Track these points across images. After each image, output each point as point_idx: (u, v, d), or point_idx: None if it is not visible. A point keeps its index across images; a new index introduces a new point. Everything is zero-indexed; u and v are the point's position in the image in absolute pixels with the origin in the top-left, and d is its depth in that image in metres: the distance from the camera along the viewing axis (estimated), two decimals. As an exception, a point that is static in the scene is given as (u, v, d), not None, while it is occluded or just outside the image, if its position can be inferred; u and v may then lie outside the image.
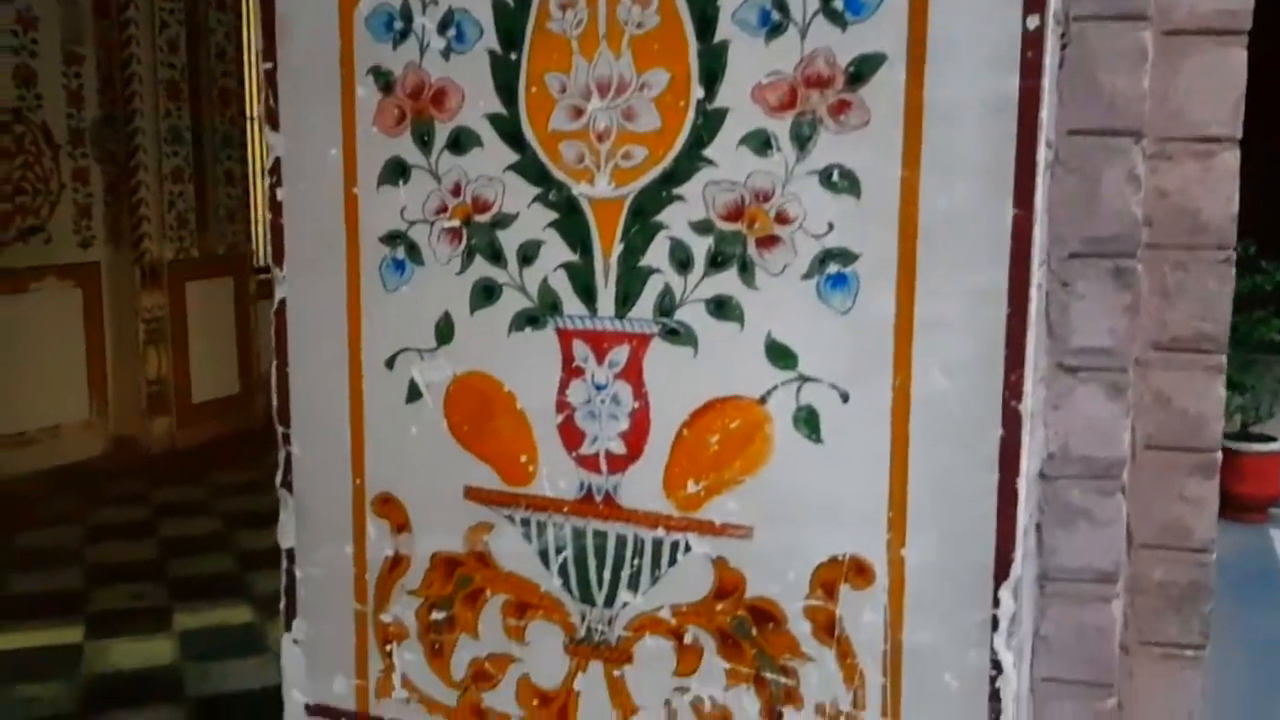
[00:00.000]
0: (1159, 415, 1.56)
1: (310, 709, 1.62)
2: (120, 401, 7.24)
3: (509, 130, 1.45)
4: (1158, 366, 1.55)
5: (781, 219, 1.33)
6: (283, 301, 1.59)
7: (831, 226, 1.31)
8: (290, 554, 1.61)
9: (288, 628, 1.62)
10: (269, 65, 1.54)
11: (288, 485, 1.61)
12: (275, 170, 1.56)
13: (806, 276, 1.33)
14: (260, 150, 8.38)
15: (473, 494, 1.51)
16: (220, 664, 4.35)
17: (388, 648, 1.56)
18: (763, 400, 1.36)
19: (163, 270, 7.30)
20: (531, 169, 1.44)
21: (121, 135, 7.07)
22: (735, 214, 1.35)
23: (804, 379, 1.34)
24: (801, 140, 1.32)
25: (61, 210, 6.88)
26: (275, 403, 1.61)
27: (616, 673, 1.44)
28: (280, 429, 1.60)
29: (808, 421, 1.34)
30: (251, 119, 8.25)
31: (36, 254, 6.75)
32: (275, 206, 1.57)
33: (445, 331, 1.51)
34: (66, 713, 3.92)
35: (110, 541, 5.67)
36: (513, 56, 1.44)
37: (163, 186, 7.25)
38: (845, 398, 1.32)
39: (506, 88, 1.44)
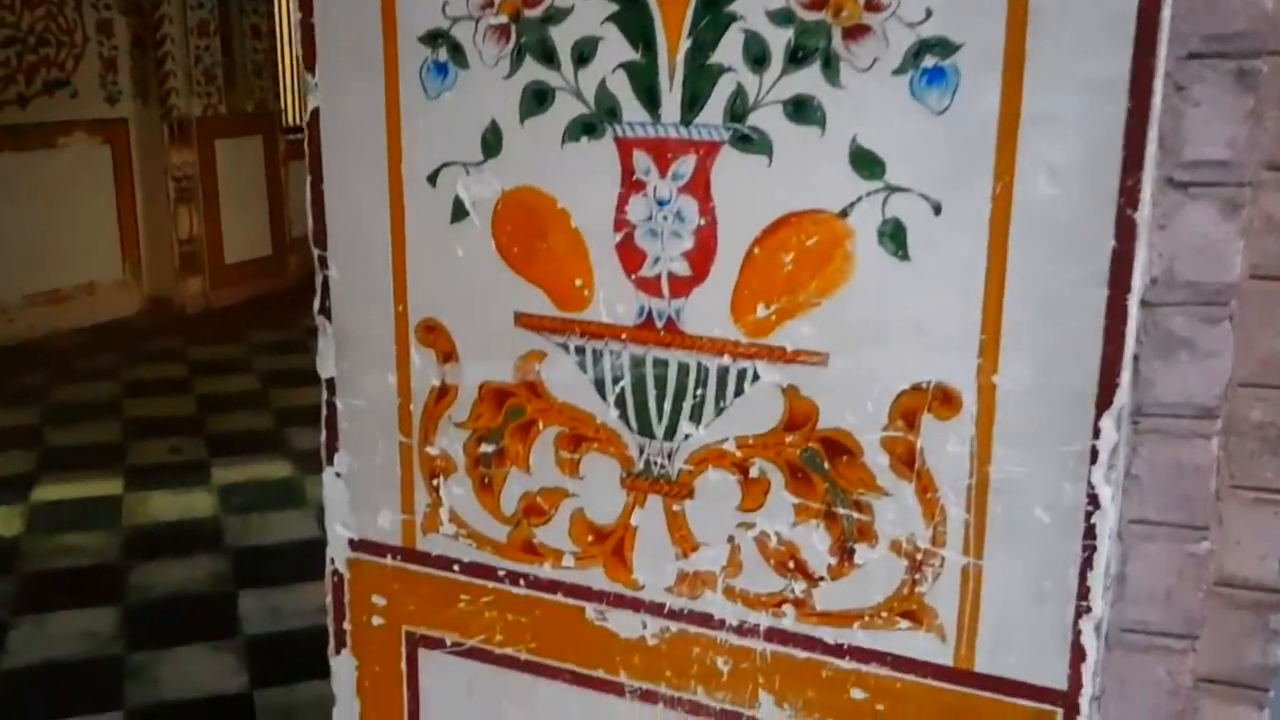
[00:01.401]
0: (1268, 242, 1.41)
1: (354, 544, 1.56)
2: (153, 261, 7.20)
3: (565, -92, 1.30)
4: (1271, 188, 1.40)
5: (872, 6, 1.18)
6: (315, 111, 1.46)
7: (929, 13, 1.16)
8: (330, 384, 1.52)
9: (329, 461, 1.54)
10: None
11: (326, 312, 1.51)
12: None
13: (899, 71, 1.18)
14: (287, 5, 8.12)
15: (523, 320, 1.40)
16: (260, 516, 4.36)
17: (434, 481, 1.48)
18: (844, 214, 1.23)
19: (191, 127, 7.16)
20: (589, -46, 1.29)
21: (145, -16, 6.85)
22: (819, 1, 1.20)
23: (892, 189, 1.21)
24: (898, -88, 1.16)
25: (86, 64, 6.72)
26: (311, 223, 1.49)
27: (676, 507, 1.36)
28: (316, 251, 1.49)
29: (894, 236, 1.21)
30: (277, -30, 7.98)
31: (64, 108, 6.63)
32: (305, 3, 1.43)
33: (493, 142, 1.38)
34: (111, 562, 3.96)
35: (147, 397, 5.68)
36: None
37: (189, 40, 7.05)
38: (937, 209, 1.19)
39: None
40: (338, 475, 1.54)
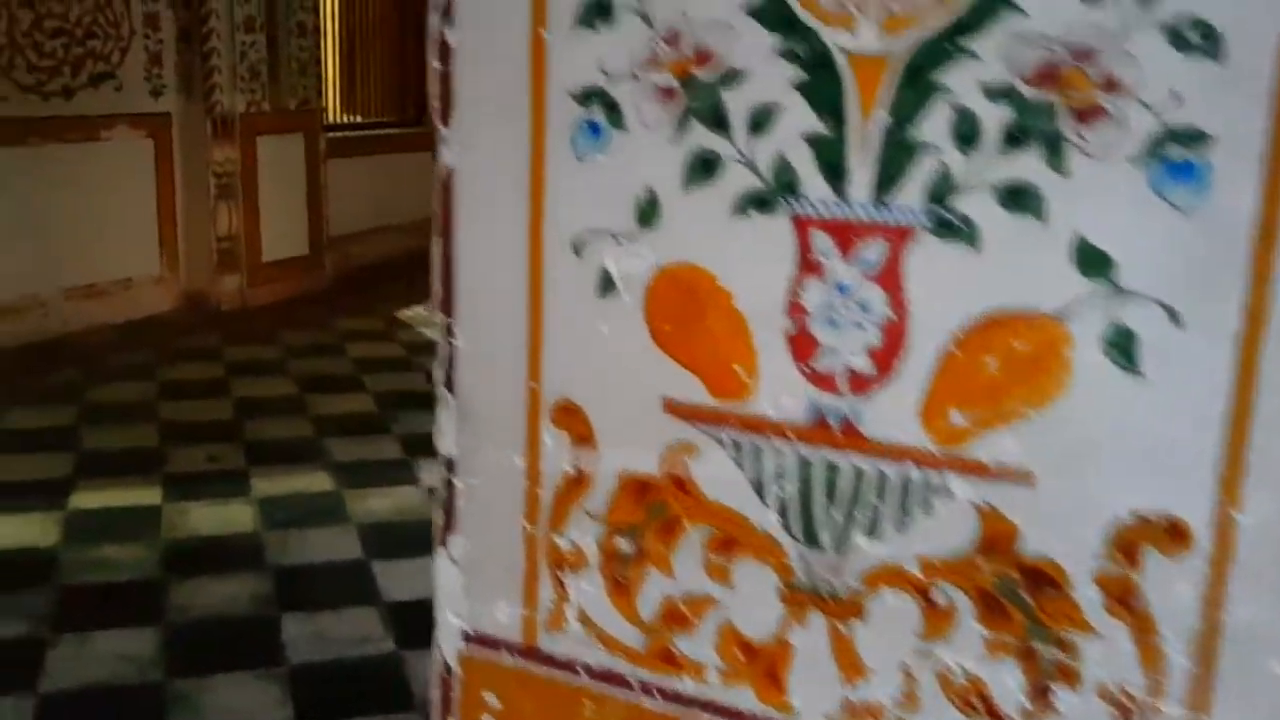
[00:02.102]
0: None
1: (468, 637, 1.42)
2: (191, 257, 7.09)
3: (747, -39, 1.16)
4: None
5: (1109, 85, 1.04)
6: (449, 169, 1.33)
7: (1178, 98, 1.02)
8: (449, 461, 1.39)
9: (443, 543, 1.41)
10: None
11: (449, 383, 1.38)
12: (446, 7, 1.28)
13: (1137, 161, 1.04)
14: (334, 2, 8.01)
15: (673, 407, 1.27)
16: (300, 533, 4.24)
17: (561, 575, 1.35)
18: (1063, 317, 1.09)
19: (234, 123, 7.04)
20: (772, 13, 1.15)
21: (193, -23, 6.74)
22: (1046, 77, 1.06)
23: (1122, 292, 1.07)
24: (1145, -17, 1.02)
25: (132, 57, 6.61)
26: (438, 288, 1.36)
27: (843, 628, 1.22)
28: (443, 319, 1.36)
29: (1122, 346, 1.07)
30: (325, -35, 7.87)
31: (108, 101, 6.52)
32: (443, 52, 1.29)
33: (649, 212, 1.24)
34: (150, 578, 3.84)
35: (184, 400, 5.57)
36: None
37: (234, 36, 6.94)
38: (1176, 318, 1.05)
39: (747, -93, 1.15)
40: (452, 560, 1.41)
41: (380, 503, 4.49)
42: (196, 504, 4.41)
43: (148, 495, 4.47)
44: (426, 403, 5.42)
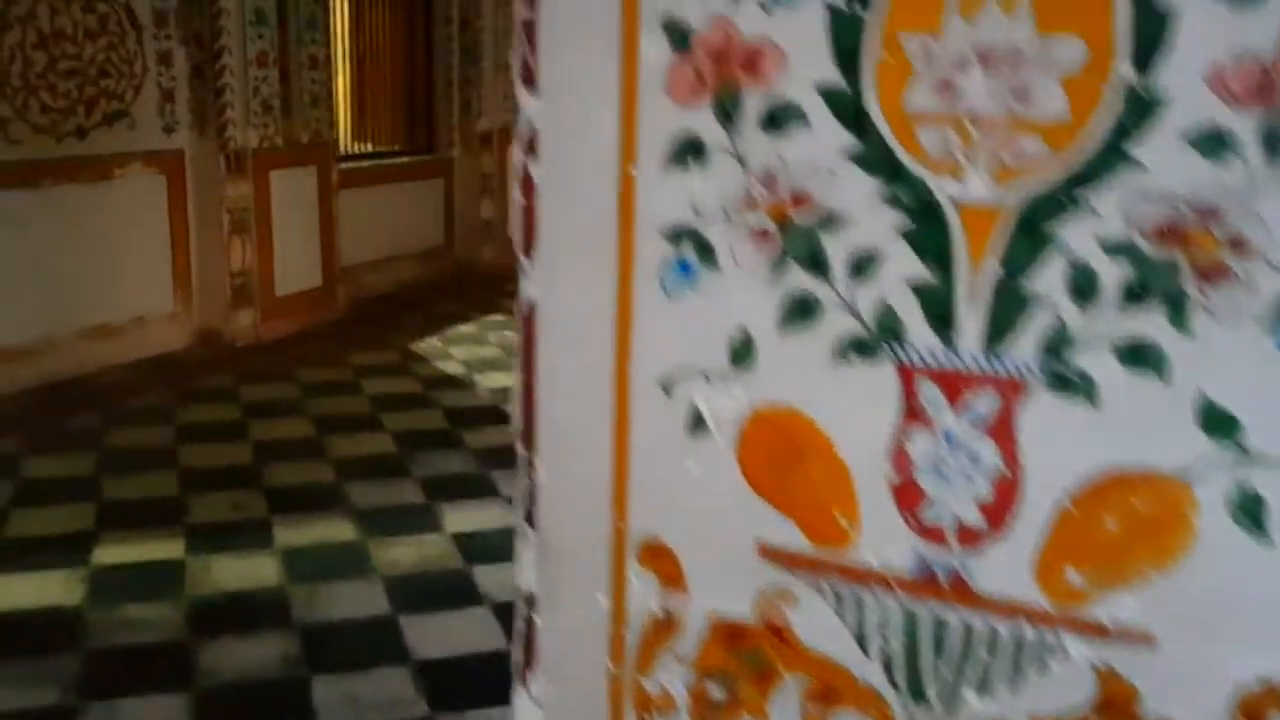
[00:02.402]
0: None
1: (551, 779, 1.39)
2: (205, 293, 7.06)
3: (847, 107, 1.12)
4: None
5: (1236, 245, 1.01)
6: (532, 302, 1.29)
7: (1310, 261, 0.99)
8: (530, 599, 1.35)
9: (522, 680, 1.37)
10: (528, 14, 1.21)
11: (530, 519, 1.34)
12: (530, 141, 1.25)
13: (1265, 323, 1.01)
14: (344, 32, 8.00)
15: (768, 552, 1.23)
16: (326, 586, 4.20)
17: (649, 720, 1.31)
18: (1187, 478, 1.06)
19: (247, 158, 7.02)
20: (876, 159, 1.12)
21: (206, 16, 6.71)
22: (1169, 234, 1.03)
23: (1249, 455, 1.03)
24: (1275, 142, 0.99)
25: (146, 94, 6.59)
26: (519, 421, 1.33)
27: (951, 785, 1.19)
28: (523, 452, 1.33)
29: (1250, 510, 1.04)
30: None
31: (121, 139, 6.50)
32: (527, 185, 1.26)
33: (743, 352, 1.21)
34: (176, 639, 3.80)
35: (202, 443, 5.53)
36: (859, 11, 1.10)
37: (247, 71, 6.92)
38: (1308, 485, 1.02)
39: (847, 51, 1.12)
40: (533, 700, 1.37)
41: (405, 552, 4.46)
42: (220, 557, 4.38)
43: (171, 548, 4.43)
44: (445, 442, 5.38)
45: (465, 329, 7.88)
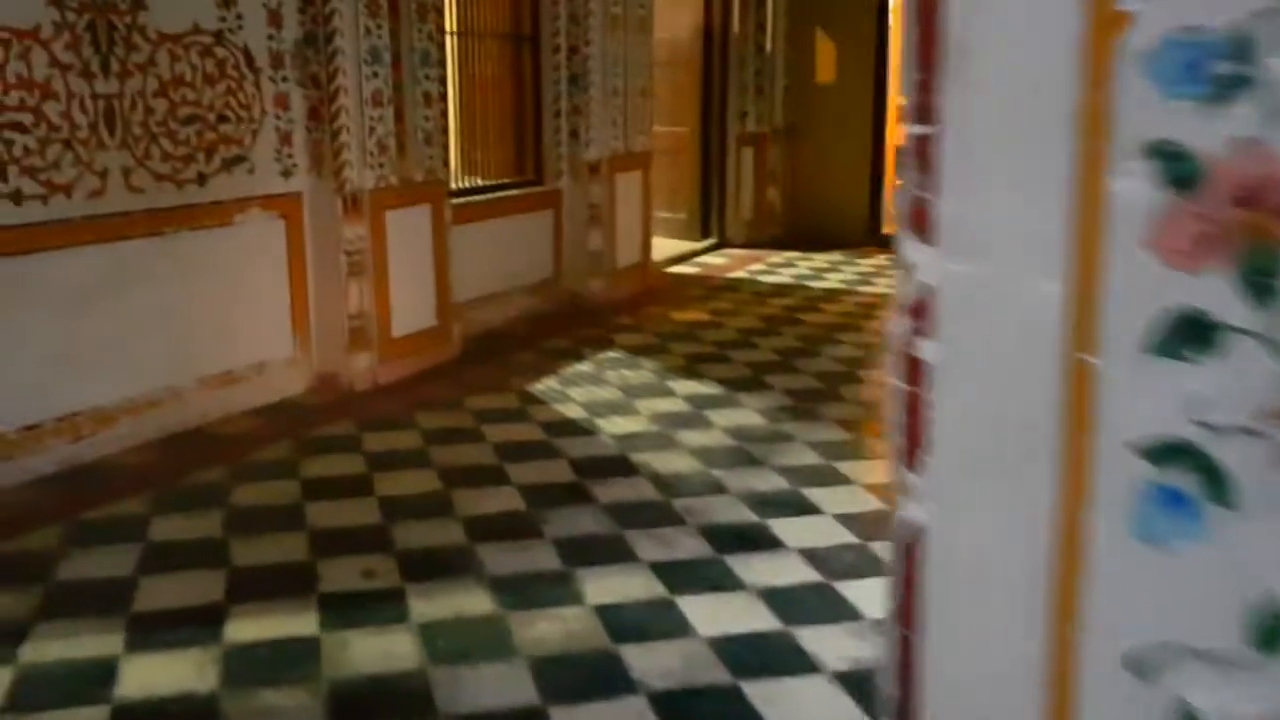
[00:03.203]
0: None
1: None
2: (322, 337, 6.95)
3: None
4: None
5: None
6: (916, 529, 1.01)
7: None
8: None
9: None
10: (923, 128, 0.93)
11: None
12: (919, 308, 0.96)
13: None
14: (453, 64, 7.84)
15: None
16: (470, 669, 3.97)
17: None
18: None
19: (364, 199, 6.90)
20: None
21: (322, 56, 6.61)
22: None
23: None
24: None
25: (263, 138, 6.50)
26: (893, 688, 1.03)
27: None
28: None
29: None
30: (451, 33, 7.73)
31: (240, 184, 6.41)
32: (914, 370, 0.97)
33: (1274, 634, 0.89)
34: (319, 731, 3.61)
35: (329, 500, 5.37)
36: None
37: (363, 111, 6.80)
38: None
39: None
40: None
41: (548, 628, 4.22)
42: (356, 633, 4.19)
43: (305, 622, 4.25)
44: (574, 497, 5.10)
45: (581, 368, 7.67)
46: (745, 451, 6.08)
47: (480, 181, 8.64)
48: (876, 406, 7.10)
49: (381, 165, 6.98)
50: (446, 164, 7.65)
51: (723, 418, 6.65)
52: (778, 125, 12.33)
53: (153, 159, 5.93)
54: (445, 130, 7.56)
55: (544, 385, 7.26)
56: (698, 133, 11.78)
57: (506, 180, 8.87)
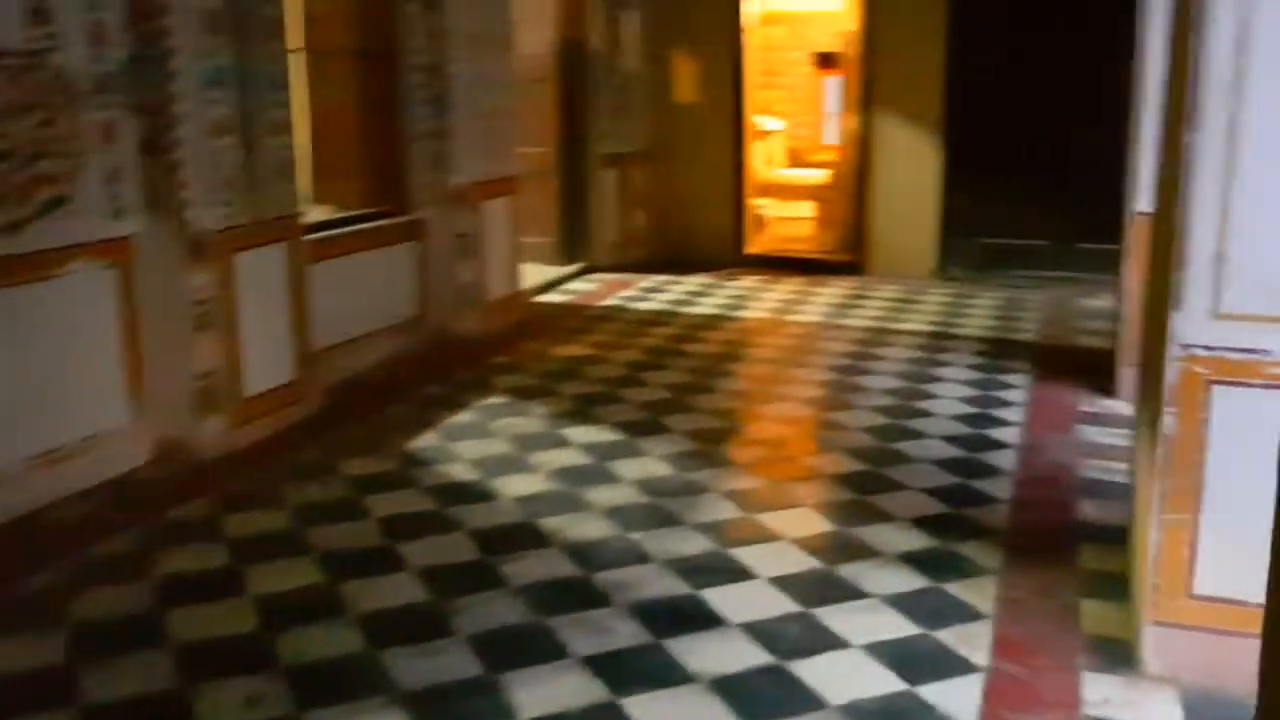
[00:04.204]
0: None
1: None
2: (164, 400, 6.08)
3: None
4: None
5: None
6: None
7: None
8: None
9: None
10: None
11: None
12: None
13: None
14: (308, 88, 7.07)
15: None
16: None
17: None
18: None
19: (209, 241, 6.06)
20: None
21: (156, 80, 5.75)
22: None
23: None
24: None
25: (88, 175, 5.60)
26: None
27: None
28: None
29: None
30: (297, 51, 6.94)
31: (63, 230, 5.51)
32: None
33: None
34: None
35: (193, 605, 4.56)
36: None
37: (205, 141, 5.97)
38: None
39: None
40: None
41: (482, 760, 3.57)
42: (249, 784, 3.45)
43: (183, 777, 3.48)
44: (482, 580, 4.41)
45: (463, 418, 6.98)
46: (660, 509, 5.55)
47: (337, 214, 7.84)
48: (784, 446, 6.68)
49: (229, 202, 6.15)
50: (298, 197, 6.85)
51: (628, 469, 6.10)
52: (640, 146, 11.88)
53: (-47, 204, 4.98)
54: (297, 161, 6.76)
55: (425, 442, 6.55)
56: (558, 154, 11.22)
57: (366, 211, 8.10)
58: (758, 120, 13.32)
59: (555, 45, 11.04)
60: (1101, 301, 10.25)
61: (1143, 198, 6.79)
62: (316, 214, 7.58)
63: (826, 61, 14.74)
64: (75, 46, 5.44)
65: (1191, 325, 3.67)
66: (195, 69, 5.81)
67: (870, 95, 11.41)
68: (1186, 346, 3.68)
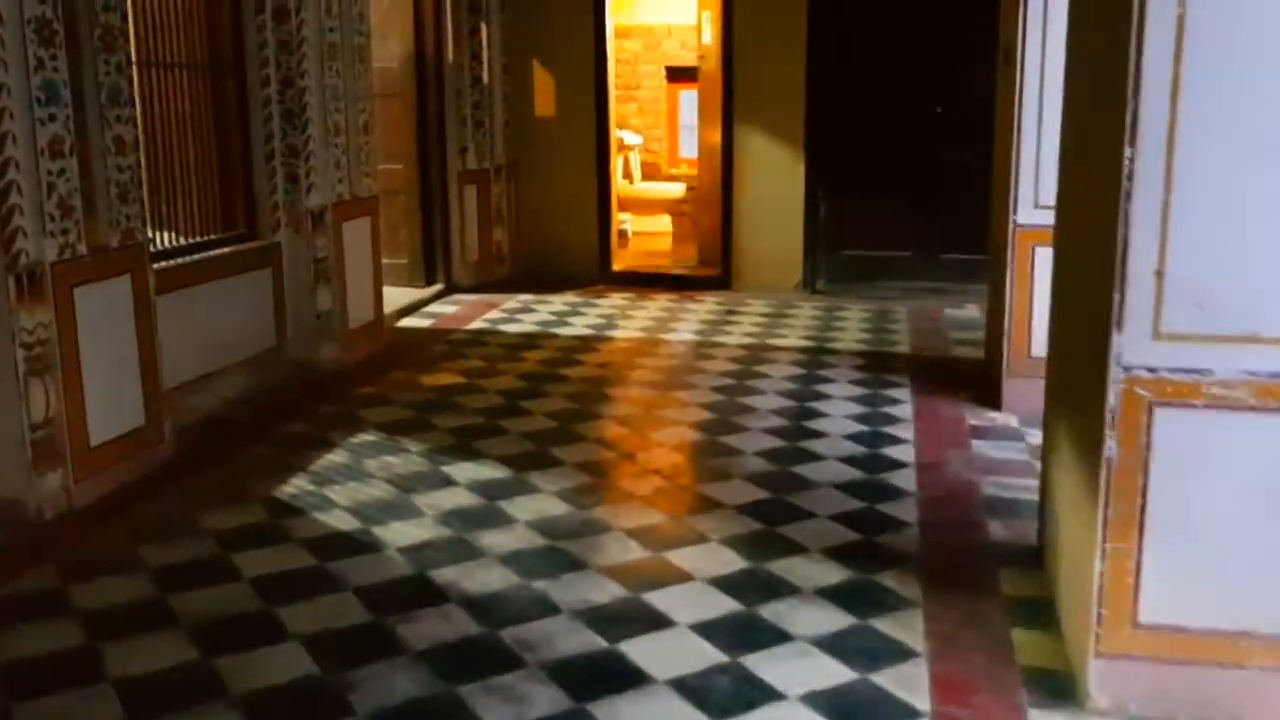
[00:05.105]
0: None
1: None
2: (-5, 456, 5.37)
3: None
4: None
5: None
6: None
7: None
8: None
9: None
10: None
11: None
12: None
13: None
14: (146, 103, 6.47)
15: None
16: None
17: None
18: None
19: (44, 275, 5.42)
20: None
21: (-24, 95, 5.08)
22: None
23: None
24: None
25: (-103, 204, 4.90)
26: None
27: None
28: None
29: None
30: (136, 64, 6.34)
31: None
32: None
33: None
34: None
35: (46, 698, 3.96)
36: None
37: (38, 164, 5.33)
38: None
39: None
40: None
41: None
42: None
43: None
44: (378, 646, 3.93)
45: (333, 458, 6.47)
46: (561, 552, 5.19)
47: (181, 240, 7.20)
48: (680, 475, 6.42)
49: (66, 231, 5.51)
50: (145, 222, 6.22)
51: (521, 508, 5.72)
52: (500, 161, 11.49)
53: None
54: (140, 183, 6.14)
55: (293, 487, 6.02)
56: (415, 170, 10.72)
57: (213, 236, 7.47)
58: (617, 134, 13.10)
59: (408, 56, 10.55)
60: (968, 311, 10.39)
61: (1024, 210, 6.81)
62: (160, 241, 6.92)
63: (681, 75, 14.65)
64: (-123, 57, 4.75)
65: (1132, 346, 3.55)
66: (25, 83, 5.16)
67: (732, 108, 11.32)
68: (1128, 368, 3.56)
